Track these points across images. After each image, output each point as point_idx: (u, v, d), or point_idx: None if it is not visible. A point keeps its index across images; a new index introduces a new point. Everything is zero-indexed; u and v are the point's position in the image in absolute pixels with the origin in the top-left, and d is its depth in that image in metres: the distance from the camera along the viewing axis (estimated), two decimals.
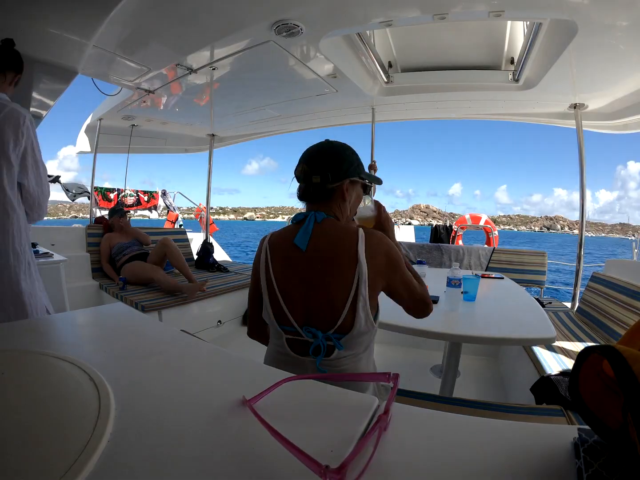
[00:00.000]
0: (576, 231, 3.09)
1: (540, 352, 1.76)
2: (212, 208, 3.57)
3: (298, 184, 0.89)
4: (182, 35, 1.97)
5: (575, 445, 0.37)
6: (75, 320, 0.84)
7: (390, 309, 1.55)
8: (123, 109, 3.33)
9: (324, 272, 0.80)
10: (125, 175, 4.63)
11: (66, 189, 4.39)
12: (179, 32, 1.93)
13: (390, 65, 2.72)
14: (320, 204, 0.87)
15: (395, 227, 4.72)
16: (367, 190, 0.95)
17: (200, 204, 5.31)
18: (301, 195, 0.88)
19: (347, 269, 0.79)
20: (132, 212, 4.73)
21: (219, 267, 3.65)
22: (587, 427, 0.38)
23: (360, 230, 0.82)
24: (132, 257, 2.94)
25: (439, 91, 2.79)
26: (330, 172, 0.83)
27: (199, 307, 2.71)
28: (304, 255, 0.81)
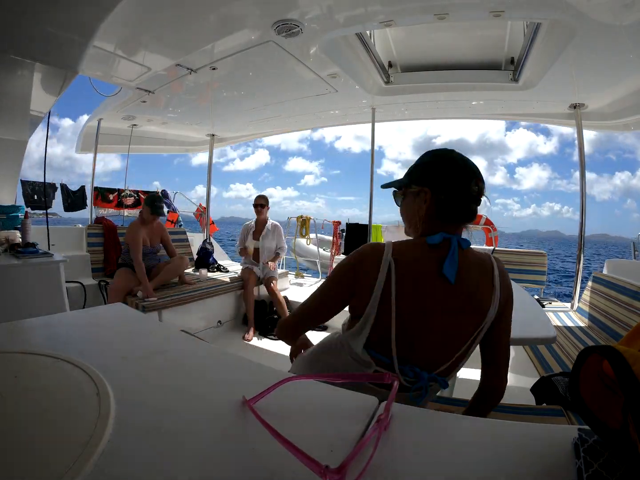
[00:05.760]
0: None
1: (540, 352, 1.76)
2: None
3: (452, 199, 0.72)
4: (182, 35, 1.97)
5: (575, 445, 0.37)
6: (75, 320, 0.84)
7: None
8: (123, 109, 3.33)
9: (459, 308, 0.70)
10: (125, 174, 4.63)
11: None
12: (179, 32, 1.93)
13: (390, 65, 2.72)
14: (461, 226, 0.75)
15: (394, 227, 4.71)
16: None
17: (200, 204, 5.31)
18: (462, 218, 0.74)
19: (482, 307, 0.71)
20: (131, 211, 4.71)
21: (219, 268, 3.65)
22: (587, 427, 0.38)
23: (493, 260, 0.75)
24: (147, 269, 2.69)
25: (439, 91, 2.79)
26: None
27: (199, 307, 2.71)
28: (443, 287, 0.69)
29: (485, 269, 0.73)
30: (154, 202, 2.75)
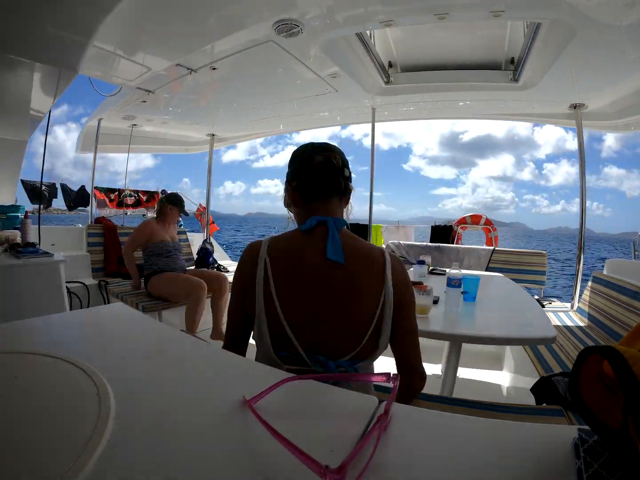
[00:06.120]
0: None
1: (541, 352, 1.76)
2: None
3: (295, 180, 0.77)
4: (182, 35, 1.97)
5: (575, 445, 0.37)
6: (75, 320, 0.84)
7: None
8: (123, 109, 3.33)
9: (350, 291, 0.70)
10: (125, 174, 4.64)
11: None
12: (179, 32, 1.93)
13: (390, 65, 2.72)
14: (334, 204, 0.76)
15: (394, 227, 4.72)
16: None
17: (200, 204, 5.31)
18: (320, 190, 0.75)
19: (374, 289, 0.71)
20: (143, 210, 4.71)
21: (219, 267, 3.65)
22: (587, 427, 0.38)
23: (387, 255, 0.75)
24: (172, 268, 2.47)
25: (439, 91, 2.79)
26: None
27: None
28: (331, 271, 0.70)
29: (372, 259, 0.73)
30: (182, 201, 2.63)
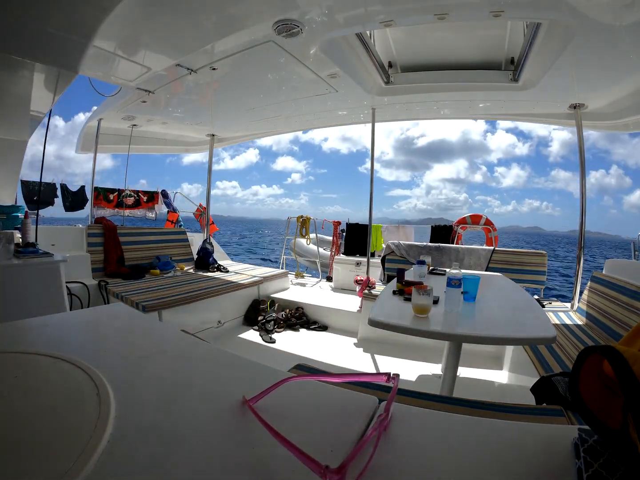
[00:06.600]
0: None
1: (541, 352, 1.76)
2: None
3: None
4: (182, 35, 1.97)
5: (575, 445, 0.37)
6: (75, 320, 0.84)
7: (391, 309, 1.54)
8: (123, 109, 3.33)
9: None
10: (125, 174, 4.64)
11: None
12: (179, 32, 1.93)
13: (390, 65, 2.72)
14: None
15: (394, 227, 4.72)
16: None
17: (200, 204, 5.31)
18: None
19: None
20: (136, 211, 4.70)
21: (219, 267, 3.65)
22: (587, 427, 0.38)
23: None
24: None
25: (439, 91, 2.79)
26: None
27: (199, 307, 2.71)
28: None
29: None
30: None
